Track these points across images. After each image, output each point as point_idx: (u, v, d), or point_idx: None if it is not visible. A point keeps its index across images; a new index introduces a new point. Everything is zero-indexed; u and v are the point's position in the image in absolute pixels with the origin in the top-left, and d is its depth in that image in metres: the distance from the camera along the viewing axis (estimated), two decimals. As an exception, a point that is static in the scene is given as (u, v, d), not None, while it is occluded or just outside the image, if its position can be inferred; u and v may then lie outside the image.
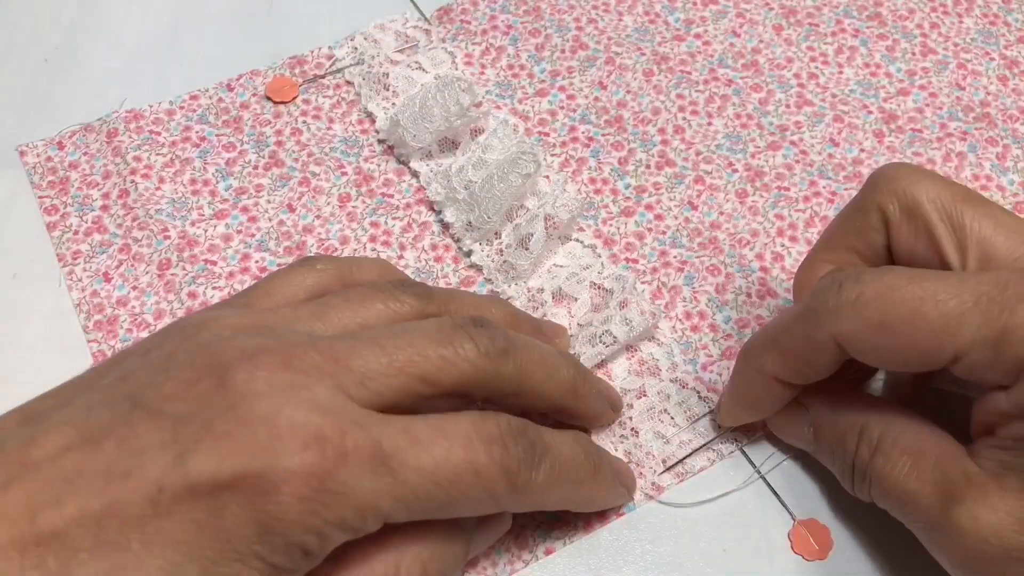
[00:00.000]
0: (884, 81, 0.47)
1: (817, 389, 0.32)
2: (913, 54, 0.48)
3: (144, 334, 0.38)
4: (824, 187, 0.43)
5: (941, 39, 0.48)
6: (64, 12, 0.49)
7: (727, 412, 0.35)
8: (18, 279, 0.39)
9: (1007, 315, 0.26)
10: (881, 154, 0.44)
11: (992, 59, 0.48)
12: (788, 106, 0.46)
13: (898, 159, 0.44)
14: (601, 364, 0.38)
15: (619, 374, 0.37)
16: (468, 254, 0.41)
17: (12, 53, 0.47)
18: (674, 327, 0.39)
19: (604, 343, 0.37)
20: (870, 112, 0.46)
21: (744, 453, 0.35)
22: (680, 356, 0.38)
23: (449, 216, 0.41)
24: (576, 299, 0.39)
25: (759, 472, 0.35)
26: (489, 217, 0.40)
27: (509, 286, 0.40)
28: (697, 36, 0.48)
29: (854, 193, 0.42)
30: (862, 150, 0.44)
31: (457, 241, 0.41)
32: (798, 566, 0.33)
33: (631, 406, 0.36)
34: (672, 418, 0.36)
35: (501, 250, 0.40)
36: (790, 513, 0.34)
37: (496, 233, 0.41)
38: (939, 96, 0.46)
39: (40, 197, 0.41)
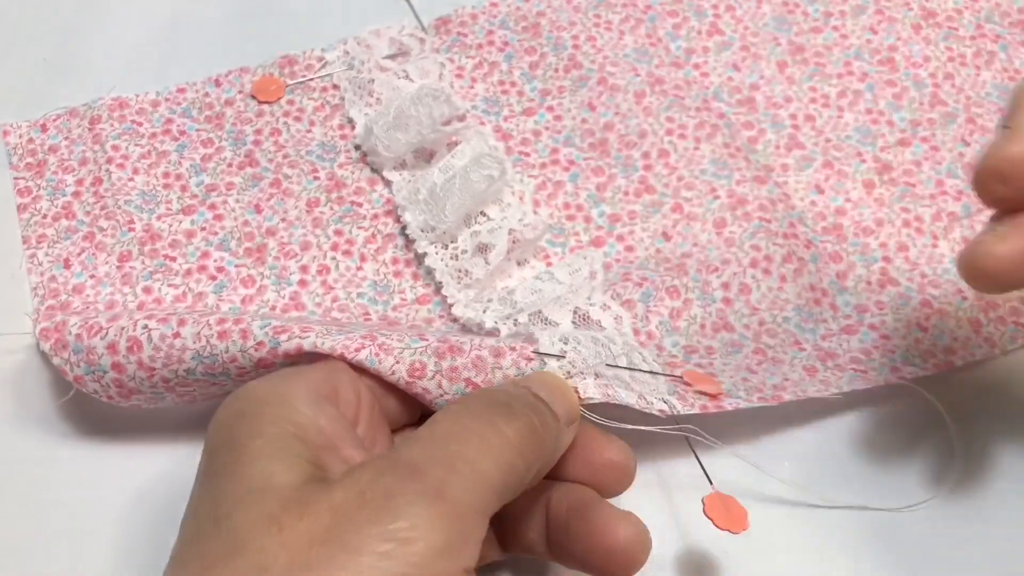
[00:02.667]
0: (885, 129, 0.45)
1: None
2: (921, 104, 0.46)
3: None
4: (802, 233, 0.41)
5: (954, 91, 0.46)
6: (64, 12, 0.50)
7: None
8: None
9: None
10: (867, 206, 0.42)
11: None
12: (778, 147, 0.44)
13: (884, 213, 0.42)
14: (542, 318, 0.36)
15: (563, 329, 0.36)
16: (423, 257, 0.40)
17: (12, 53, 0.48)
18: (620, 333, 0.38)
19: (542, 279, 0.37)
20: (863, 160, 0.44)
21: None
22: (631, 334, 0.36)
23: (408, 217, 0.40)
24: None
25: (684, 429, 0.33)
26: (446, 215, 0.39)
27: (461, 293, 0.39)
28: (696, 66, 0.47)
29: (830, 248, 0.41)
30: (847, 200, 0.43)
31: (412, 242, 0.40)
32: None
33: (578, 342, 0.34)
34: (611, 354, 0.34)
35: (456, 256, 0.40)
36: (709, 480, 0.32)
37: (452, 238, 0.40)
38: (941, 150, 0.44)
39: (15, 178, 0.42)
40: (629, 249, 0.41)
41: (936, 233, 0.42)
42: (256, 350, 0.32)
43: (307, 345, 0.32)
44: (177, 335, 0.33)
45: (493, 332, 0.36)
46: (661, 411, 0.33)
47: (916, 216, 0.42)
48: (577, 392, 0.32)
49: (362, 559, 0.23)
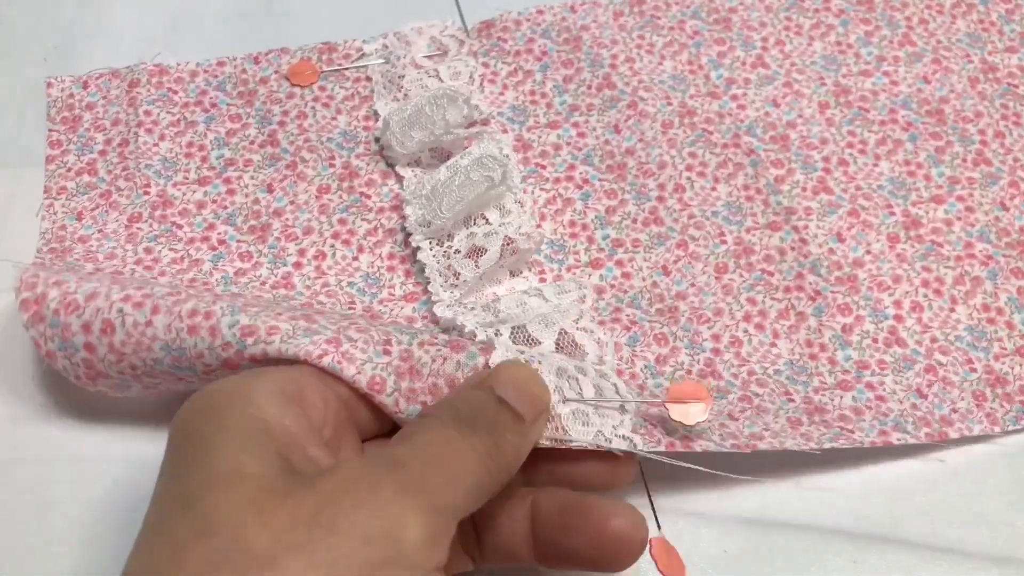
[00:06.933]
0: (920, 183, 0.43)
1: None
2: (963, 160, 0.43)
3: (89, 266, 0.39)
4: (811, 283, 0.40)
5: (1002, 151, 0.44)
6: (63, 11, 0.50)
7: None
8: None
9: None
10: (888, 260, 0.40)
11: (1055, 183, 0.43)
12: (804, 189, 0.43)
13: (904, 269, 0.40)
14: (526, 335, 0.35)
15: (542, 349, 0.35)
16: (416, 251, 0.40)
17: (12, 52, 0.49)
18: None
19: (529, 294, 0.37)
20: (892, 213, 0.42)
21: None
22: (611, 359, 0.36)
23: (409, 210, 0.40)
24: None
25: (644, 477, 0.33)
26: (442, 211, 0.39)
27: (446, 292, 0.39)
28: (734, 97, 0.46)
29: (840, 300, 0.39)
30: (868, 252, 0.41)
31: (408, 235, 0.40)
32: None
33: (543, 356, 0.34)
34: (581, 389, 0.32)
35: (448, 254, 0.39)
36: (657, 524, 0.33)
37: (449, 236, 0.40)
38: (976, 211, 0.42)
39: (50, 130, 0.44)
40: (626, 276, 0.40)
41: (956, 297, 0.39)
42: (223, 350, 0.32)
43: (271, 351, 0.32)
44: (149, 323, 0.33)
45: (471, 336, 0.36)
46: (620, 450, 0.32)
47: (937, 277, 0.40)
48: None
49: (346, 542, 0.24)
